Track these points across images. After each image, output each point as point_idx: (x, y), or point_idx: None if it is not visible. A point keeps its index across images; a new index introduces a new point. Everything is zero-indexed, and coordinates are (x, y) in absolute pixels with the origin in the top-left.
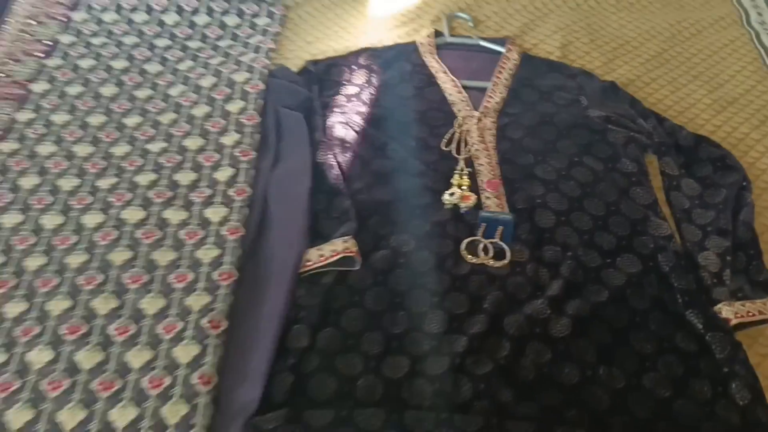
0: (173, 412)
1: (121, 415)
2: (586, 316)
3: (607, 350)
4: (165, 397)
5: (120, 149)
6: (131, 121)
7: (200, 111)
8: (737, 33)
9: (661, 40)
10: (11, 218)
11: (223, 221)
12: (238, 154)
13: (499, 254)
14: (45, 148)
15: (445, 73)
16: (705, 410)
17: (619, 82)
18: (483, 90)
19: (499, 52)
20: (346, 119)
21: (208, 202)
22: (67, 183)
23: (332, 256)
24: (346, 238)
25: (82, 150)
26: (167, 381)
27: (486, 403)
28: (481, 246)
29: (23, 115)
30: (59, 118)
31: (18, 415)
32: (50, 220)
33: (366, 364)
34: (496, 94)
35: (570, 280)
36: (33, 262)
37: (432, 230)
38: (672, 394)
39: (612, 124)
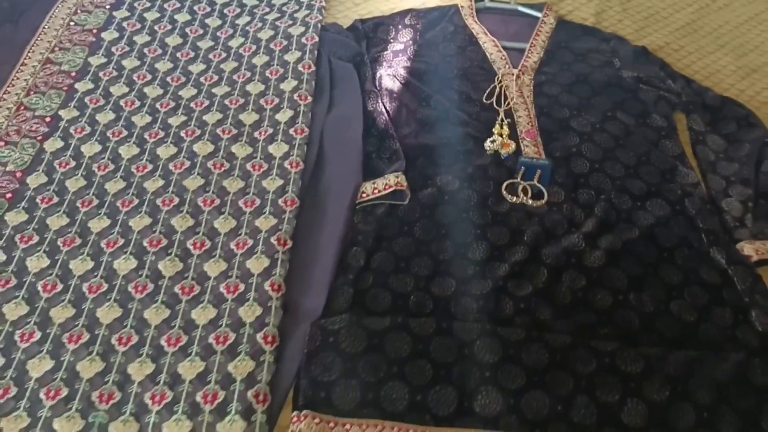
0: (249, 313)
1: (201, 314)
2: (617, 250)
3: (637, 280)
4: (241, 300)
5: (187, 92)
6: (196, 68)
7: (260, 60)
8: (763, 6)
9: (690, 11)
10: (91, 148)
11: (285, 156)
12: (296, 98)
13: (537, 195)
14: (118, 89)
15: (485, 34)
16: (727, 333)
17: (649, 48)
18: (521, 51)
19: (537, 17)
20: (393, 72)
21: (270, 140)
22: (140, 119)
23: (385, 189)
24: (397, 173)
25: (152, 92)
26: (242, 287)
27: (526, 319)
28: (520, 187)
29: (96, 60)
30: (129, 63)
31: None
32: (127, 151)
33: (416, 284)
34: (533, 54)
35: (603, 219)
36: (114, 186)
37: (474, 172)
38: (696, 319)
39: (643, 83)
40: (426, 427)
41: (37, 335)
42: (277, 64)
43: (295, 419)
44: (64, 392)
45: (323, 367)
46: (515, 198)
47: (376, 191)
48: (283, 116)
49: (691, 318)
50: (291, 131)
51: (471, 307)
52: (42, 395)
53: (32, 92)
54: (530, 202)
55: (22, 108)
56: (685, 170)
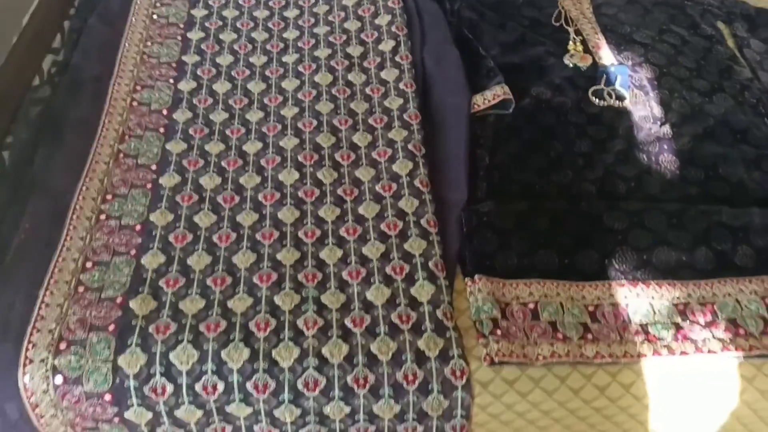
0: (408, 205)
1: (367, 209)
2: (699, 134)
3: (721, 157)
4: (397, 197)
5: (291, 34)
6: (291, 13)
7: (350, 1)
8: None
9: None
10: (219, 116)
11: (398, 79)
12: (394, 29)
13: (619, 98)
14: (228, 36)
15: None
16: None
17: None
18: None
19: None
20: (468, 4)
21: (380, 67)
22: (257, 59)
23: (494, 99)
24: (501, 84)
25: (259, 35)
26: (395, 187)
27: (639, 194)
28: (605, 92)
29: (198, 12)
30: (230, 13)
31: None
32: (255, 87)
33: (538, 175)
34: None
35: (681, 111)
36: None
37: (562, 83)
38: None
39: (688, 0)
40: (577, 282)
41: (233, 236)
42: (367, 3)
43: (470, 282)
44: (275, 277)
45: (483, 241)
46: (602, 101)
47: (486, 102)
48: (386, 46)
49: None
50: (397, 58)
51: (590, 190)
52: (256, 280)
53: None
54: (616, 103)
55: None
56: (739, 68)
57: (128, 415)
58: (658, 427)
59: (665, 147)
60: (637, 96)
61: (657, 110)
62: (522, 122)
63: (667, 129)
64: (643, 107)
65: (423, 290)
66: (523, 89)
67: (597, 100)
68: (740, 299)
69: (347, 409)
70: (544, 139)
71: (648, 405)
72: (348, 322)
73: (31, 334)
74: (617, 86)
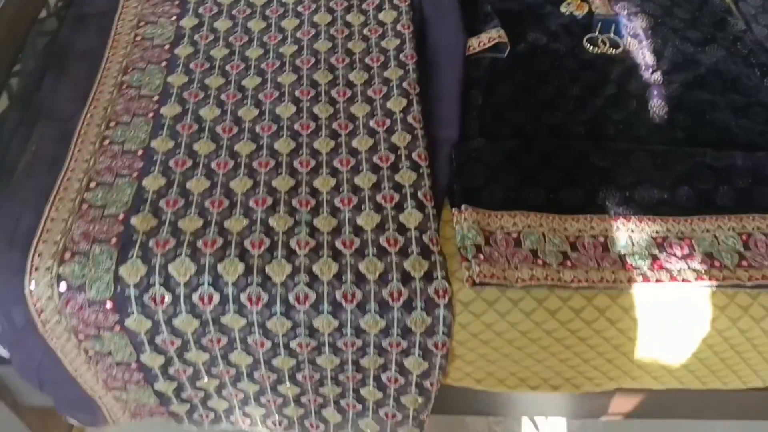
0: (400, 139)
1: (361, 143)
2: (690, 82)
3: (709, 104)
4: (390, 131)
5: None
6: None
7: None
8: None
9: None
10: (220, 52)
11: (395, 21)
12: None
13: (613, 45)
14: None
15: None
16: None
17: None
18: None
19: None
20: None
21: (379, 8)
22: (255, 25)
23: (489, 42)
24: (498, 28)
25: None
26: (388, 122)
27: (627, 135)
28: (599, 39)
29: None
30: None
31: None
32: (255, 25)
33: (530, 116)
34: None
35: (673, 60)
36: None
37: (557, 30)
38: (761, 130)
39: None
40: (563, 215)
41: (231, 164)
42: None
43: (457, 212)
44: (270, 201)
45: (472, 175)
46: (596, 49)
47: (481, 44)
48: None
49: (758, 129)
50: (395, 1)
51: (579, 130)
52: (252, 204)
53: None
54: (610, 51)
55: None
56: (733, 20)
57: (128, 323)
58: (630, 350)
59: (655, 93)
60: (630, 44)
61: (649, 58)
62: (516, 66)
63: (658, 76)
64: (636, 55)
65: (411, 217)
66: (520, 35)
67: (591, 47)
68: (718, 235)
69: (335, 323)
70: (537, 82)
71: (622, 329)
72: (338, 244)
73: (37, 245)
74: (612, 34)
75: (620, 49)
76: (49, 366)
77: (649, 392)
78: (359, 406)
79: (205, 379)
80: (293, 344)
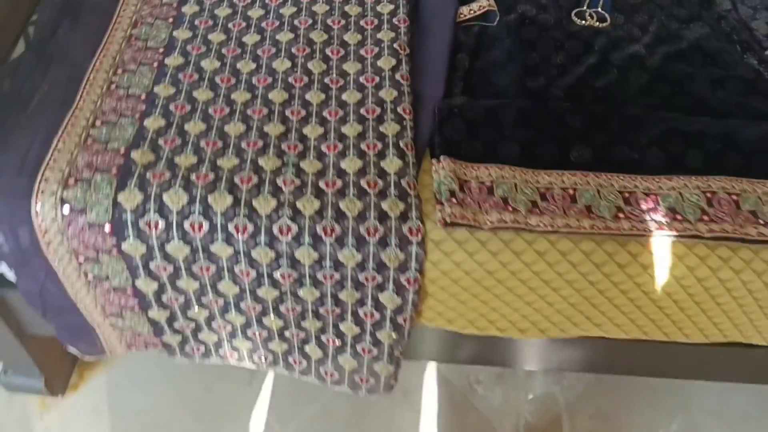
0: (387, 95)
1: (350, 96)
2: (671, 54)
3: (688, 76)
4: (378, 87)
5: None
6: None
7: None
8: None
9: None
10: (223, 11)
11: None
12: None
13: (601, 19)
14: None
15: None
16: (765, 111)
17: None
18: None
19: None
20: None
21: None
22: (255, 13)
23: (479, 10)
24: None
25: None
26: (377, 79)
27: (604, 103)
28: (587, 13)
29: None
30: None
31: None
32: (255, 13)
33: (513, 80)
34: None
35: (657, 34)
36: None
37: (547, 2)
38: (737, 101)
39: None
40: (536, 170)
41: (227, 110)
42: None
43: (435, 162)
44: (261, 144)
45: (452, 129)
46: (584, 22)
47: (471, 12)
48: None
49: (734, 99)
50: None
51: (559, 94)
52: (244, 145)
53: None
54: (597, 24)
55: None
56: (720, 0)
57: (125, 246)
58: (591, 295)
59: (636, 64)
60: (617, 19)
61: (634, 32)
62: (504, 34)
63: (640, 48)
64: (621, 29)
65: (392, 164)
66: (510, 6)
67: (579, 20)
68: (683, 192)
69: (315, 255)
70: (523, 50)
71: (583, 273)
72: (322, 184)
73: (44, 171)
74: (600, 9)
75: (607, 23)
76: (52, 290)
77: (616, 344)
78: (339, 342)
79: (196, 309)
80: (276, 274)
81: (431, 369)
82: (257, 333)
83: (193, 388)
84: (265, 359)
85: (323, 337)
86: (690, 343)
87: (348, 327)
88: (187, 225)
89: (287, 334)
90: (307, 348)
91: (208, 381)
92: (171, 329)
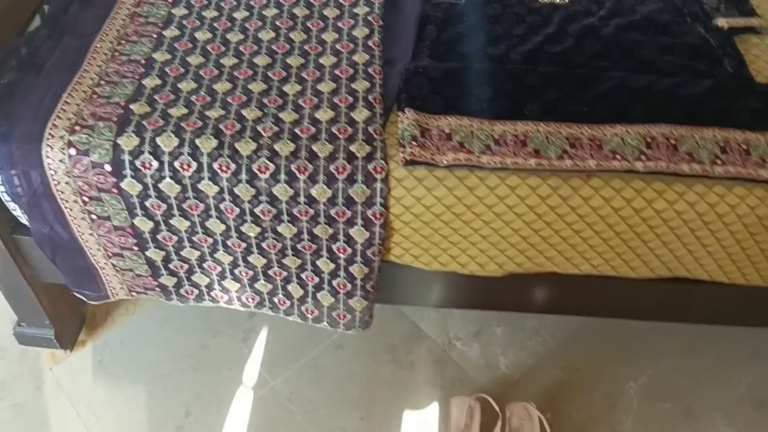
0: (360, 58)
1: (327, 60)
2: (624, 25)
3: (639, 43)
4: (353, 52)
5: None
6: None
7: None
8: None
9: None
10: (210, 13)
11: None
12: None
13: None
14: None
15: None
16: (708, 72)
17: None
18: None
19: None
20: None
21: None
22: None
23: None
24: None
25: None
26: (352, 46)
27: (558, 66)
28: None
29: None
30: None
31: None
32: None
33: (474, 49)
34: None
35: (613, 9)
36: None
37: None
38: (684, 64)
39: None
40: (494, 120)
41: (216, 72)
42: None
43: (401, 114)
44: (245, 99)
45: (417, 87)
46: None
47: None
48: None
49: (681, 62)
50: None
51: (519, 59)
52: (230, 100)
53: None
54: (558, 0)
55: None
56: None
57: (123, 185)
58: (540, 228)
59: (591, 33)
60: None
61: (592, 8)
62: (471, 10)
63: (596, 20)
64: (580, 4)
65: (361, 114)
66: None
67: None
68: (625, 138)
69: (291, 192)
70: (488, 23)
71: (530, 206)
72: (297, 131)
73: (54, 120)
74: None
75: (567, 0)
76: (60, 232)
77: (570, 281)
78: (317, 279)
79: (188, 247)
80: (257, 210)
81: (413, 326)
82: (244, 272)
83: (191, 344)
84: (252, 300)
85: (303, 275)
86: (639, 279)
87: (324, 263)
88: (177, 164)
89: (271, 272)
90: (289, 287)
91: (205, 339)
92: (166, 270)
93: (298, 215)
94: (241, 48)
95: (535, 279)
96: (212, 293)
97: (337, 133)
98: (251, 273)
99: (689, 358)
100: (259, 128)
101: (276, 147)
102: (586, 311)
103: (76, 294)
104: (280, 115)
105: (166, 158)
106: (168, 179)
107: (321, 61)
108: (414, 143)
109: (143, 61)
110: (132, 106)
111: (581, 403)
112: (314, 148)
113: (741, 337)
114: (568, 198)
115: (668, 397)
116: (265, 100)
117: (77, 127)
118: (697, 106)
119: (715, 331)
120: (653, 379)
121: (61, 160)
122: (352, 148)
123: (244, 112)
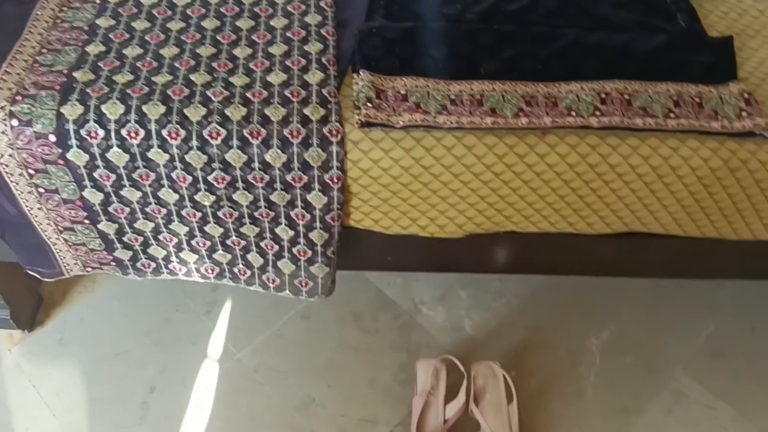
0: (312, 19)
1: (278, 23)
2: None
3: (592, 0)
4: (304, 13)
5: None
6: None
7: None
8: None
9: None
10: None
11: None
12: None
13: None
14: None
15: None
16: (661, 28)
17: None
18: None
19: None
20: None
21: None
22: None
23: None
24: None
25: None
26: (303, 7)
27: (514, 24)
28: None
29: None
30: None
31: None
32: None
33: (429, 9)
34: None
35: None
36: None
37: None
38: (639, 19)
39: None
40: (450, 80)
41: (162, 37)
42: None
43: (356, 76)
44: (193, 63)
45: (372, 47)
46: None
47: None
48: None
49: (635, 20)
50: None
51: (474, 18)
52: (177, 65)
53: None
54: None
55: None
56: None
57: (69, 155)
58: (498, 187)
59: None
60: None
61: None
62: None
63: None
64: None
65: (314, 77)
66: None
67: None
68: (580, 94)
69: (244, 157)
70: None
71: (487, 164)
72: (249, 95)
73: None
74: None
75: None
76: (7, 208)
77: (531, 240)
78: (276, 247)
79: (141, 219)
80: (210, 178)
81: (378, 293)
82: (201, 243)
83: (153, 320)
84: (212, 271)
85: (262, 243)
86: (597, 236)
87: (283, 230)
88: (124, 132)
89: (229, 242)
90: (249, 256)
91: (167, 313)
92: (121, 244)
93: (254, 182)
94: (189, 11)
95: (495, 239)
96: (170, 266)
97: (290, 96)
98: (209, 243)
99: (649, 313)
100: (209, 93)
101: (227, 112)
102: (546, 269)
103: (29, 272)
104: (231, 79)
105: (112, 126)
106: (115, 148)
107: (272, 23)
108: (369, 105)
109: (86, 28)
110: (75, 74)
111: (545, 360)
112: (267, 112)
113: (698, 292)
114: (524, 156)
115: (629, 351)
116: (215, 64)
117: (18, 97)
118: (651, 61)
119: (673, 286)
120: (614, 335)
121: (3, 132)
122: (306, 111)
123: (192, 77)
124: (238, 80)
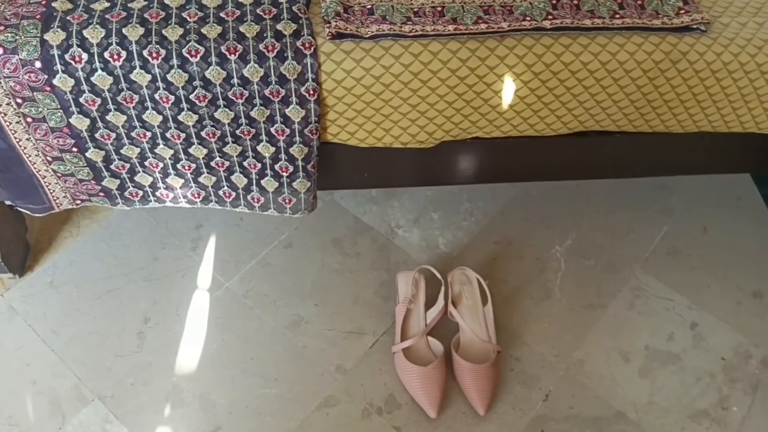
0: None
1: None
2: None
3: None
4: None
5: None
6: None
7: None
8: None
9: None
10: None
11: None
12: None
13: None
14: None
15: None
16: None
17: None
18: None
19: None
20: None
21: None
22: None
23: None
24: None
25: None
26: None
27: None
28: None
29: None
30: None
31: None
32: None
33: None
34: None
35: None
36: None
37: None
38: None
39: None
40: None
41: None
42: None
43: None
44: (163, 15)
45: None
46: None
47: None
48: None
49: None
50: None
51: None
52: (147, 16)
53: None
54: None
55: None
56: None
57: (56, 81)
58: (463, 92)
59: None
60: None
61: None
62: None
63: None
64: None
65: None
66: None
67: None
68: (533, 2)
69: (223, 74)
70: None
71: (452, 69)
72: (222, 14)
73: None
74: None
75: None
76: None
77: (497, 145)
78: (259, 165)
79: (127, 144)
80: (192, 97)
81: (356, 220)
82: (186, 166)
83: (141, 258)
84: (198, 195)
85: (245, 163)
86: (556, 137)
87: (264, 147)
88: (107, 55)
89: (213, 163)
90: (233, 177)
91: (154, 251)
92: (108, 172)
93: (233, 98)
94: None
95: (462, 147)
96: (157, 192)
97: (261, 13)
98: (194, 166)
99: (607, 218)
100: (184, 14)
101: (203, 30)
102: (512, 176)
103: (19, 208)
104: (203, 1)
105: (95, 50)
106: (100, 71)
107: None
108: (338, 18)
109: None
110: (54, 4)
111: (514, 269)
112: (241, 29)
113: (652, 198)
114: (485, 59)
115: (591, 254)
116: (185, 14)
117: (1, 27)
118: None
119: (629, 190)
120: (576, 241)
121: None
122: (279, 26)
123: (167, 1)
124: (211, 1)
